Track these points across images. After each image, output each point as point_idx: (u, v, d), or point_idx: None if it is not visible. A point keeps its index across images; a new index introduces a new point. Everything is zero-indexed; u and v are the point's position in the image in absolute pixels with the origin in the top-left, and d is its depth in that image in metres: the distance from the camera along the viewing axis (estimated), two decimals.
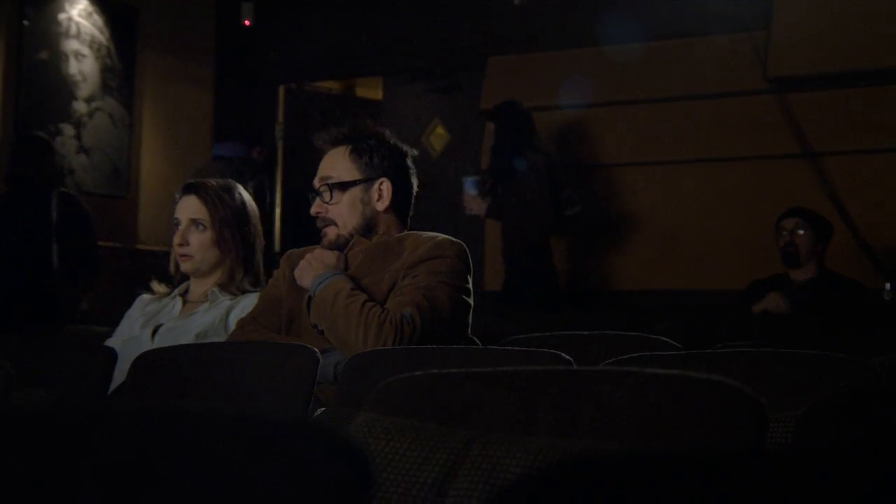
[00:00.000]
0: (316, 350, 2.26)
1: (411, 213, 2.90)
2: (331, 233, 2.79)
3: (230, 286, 3.02)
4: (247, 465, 1.16)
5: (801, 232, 5.01)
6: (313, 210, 2.80)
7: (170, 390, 2.29)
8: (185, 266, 3.04)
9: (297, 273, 2.73)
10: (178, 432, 1.26)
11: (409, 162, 2.88)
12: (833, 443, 1.45)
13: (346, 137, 2.82)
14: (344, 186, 2.78)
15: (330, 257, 2.72)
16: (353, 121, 2.86)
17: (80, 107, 6.79)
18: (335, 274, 2.66)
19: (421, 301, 2.56)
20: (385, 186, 2.81)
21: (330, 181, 2.78)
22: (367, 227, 2.79)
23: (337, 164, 2.80)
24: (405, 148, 2.89)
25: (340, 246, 2.77)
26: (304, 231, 3.19)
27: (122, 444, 1.24)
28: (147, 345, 2.82)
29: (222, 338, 2.86)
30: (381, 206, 2.81)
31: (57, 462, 1.25)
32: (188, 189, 3.08)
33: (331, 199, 2.78)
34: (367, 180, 2.79)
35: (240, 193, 3.10)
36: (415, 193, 2.89)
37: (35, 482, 1.23)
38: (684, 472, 0.91)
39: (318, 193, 2.80)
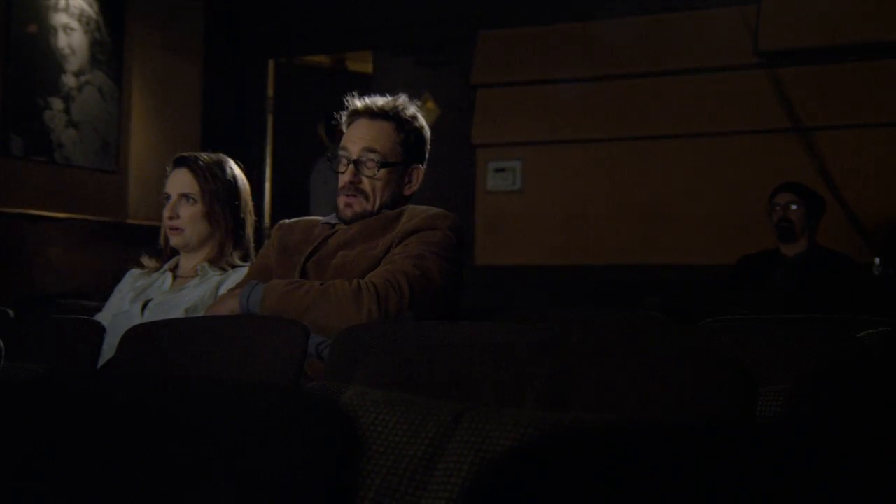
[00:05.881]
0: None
1: None
2: (357, 205, 2.77)
3: (220, 261, 3.02)
4: (237, 437, 1.16)
5: (795, 207, 4.99)
6: (347, 178, 2.77)
7: (159, 364, 2.29)
8: (175, 240, 3.04)
9: (210, 312, 2.68)
10: (171, 402, 1.25)
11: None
12: (822, 415, 1.46)
13: (394, 115, 2.80)
14: (388, 165, 2.77)
15: (232, 297, 2.67)
16: (397, 97, 2.83)
17: (69, 80, 6.75)
18: (252, 284, 2.63)
19: (410, 269, 2.56)
20: (417, 173, 2.83)
21: (375, 156, 2.76)
22: (388, 207, 2.78)
23: (384, 139, 2.78)
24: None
25: (361, 219, 2.76)
26: (294, 205, 3.17)
27: (113, 414, 1.24)
28: (137, 319, 2.81)
29: None
30: (408, 190, 2.83)
31: (47, 433, 1.25)
32: (179, 163, 3.07)
33: (375, 173, 2.76)
34: (406, 163, 2.80)
35: (231, 168, 3.09)
36: None
37: (26, 453, 1.23)
38: (675, 444, 0.91)
39: (353, 162, 2.77)
